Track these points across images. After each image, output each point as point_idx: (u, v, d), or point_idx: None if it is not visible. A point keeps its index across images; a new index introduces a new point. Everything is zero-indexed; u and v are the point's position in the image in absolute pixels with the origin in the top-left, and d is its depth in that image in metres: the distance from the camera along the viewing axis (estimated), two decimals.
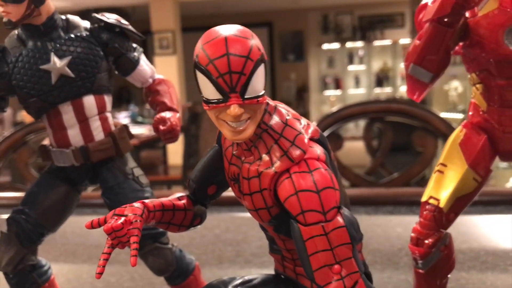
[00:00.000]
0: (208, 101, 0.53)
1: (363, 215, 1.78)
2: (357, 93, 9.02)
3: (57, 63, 0.87)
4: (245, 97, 0.52)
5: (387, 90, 8.84)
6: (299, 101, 9.28)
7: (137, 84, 0.99)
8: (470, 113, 0.91)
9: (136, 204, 0.63)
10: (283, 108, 0.59)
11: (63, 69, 0.88)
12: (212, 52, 0.52)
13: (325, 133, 2.43)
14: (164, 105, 0.97)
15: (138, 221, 0.60)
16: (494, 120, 0.87)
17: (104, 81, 0.93)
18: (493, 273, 1.25)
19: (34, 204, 0.93)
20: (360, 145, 2.70)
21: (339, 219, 0.52)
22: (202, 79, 0.53)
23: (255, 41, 0.54)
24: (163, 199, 0.67)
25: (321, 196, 0.52)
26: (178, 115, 0.96)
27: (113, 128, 0.96)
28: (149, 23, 7.06)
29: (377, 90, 8.87)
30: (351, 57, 9.06)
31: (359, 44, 8.89)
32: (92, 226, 0.62)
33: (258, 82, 0.53)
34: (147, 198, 0.93)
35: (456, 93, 5.79)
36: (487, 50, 0.82)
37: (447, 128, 2.38)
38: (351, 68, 9.05)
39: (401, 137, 2.96)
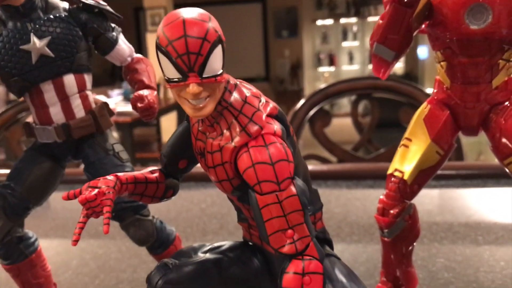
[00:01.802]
0: (169, 80, 0.57)
1: (344, 189, 1.84)
2: (351, 69, 9.03)
3: (37, 43, 0.90)
4: (203, 76, 0.56)
5: None
6: (293, 77, 9.28)
7: (116, 62, 1.03)
8: (435, 90, 0.95)
9: (109, 177, 0.67)
10: (244, 87, 0.63)
11: (43, 49, 0.91)
12: (171, 34, 0.55)
13: (314, 110, 2.47)
14: (142, 83, 1.00)
15: (111, 192, 0.65)
16: (457, 96, 0.91)
17: (84, 60, 0.96)
18: (464, 243, 1.31)
19: (19, 180, 0.98)
20: (350, 121, 2.75)
21: (292, 188, 0.57)
22: (163, 59, 0.57)
23: (212, 24, 0.57)
24: (136, 172, 0.72)
25: (275, 168, 0.57)
26: (155, 93, 0.99)
27: (93, 106, 0.99)
28: (142, 0, 7.01)
29: (371, 67, 8.86)
30: (345, 33, 9.04)
31: (353, 20, 8.86)
32: (68, 197, 0.66)
33: (216, 62, 0.57)
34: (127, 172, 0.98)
35: None
36: (450, 29, 0.86)
37: None
38: (345, 44, 9.04)
39: (388, 113, 3.00)
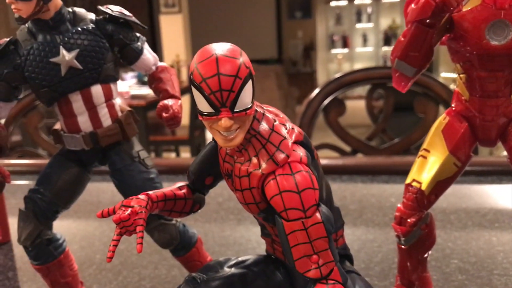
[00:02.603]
0: (202, 113, 0.60)
1: (359, 183, 1.86)
2: (365, 51, 8.95)
3: (66, 56, 0.93)
4: (235, 110, 0.59)
5: None
6: (306, 59, 9.24)
7: (142, 71, 1.05)
8: (454, 102, 0.97)
9: (141, 196, 0.70)
10: (270, 113, 0.66)
11: (71, 61, 0.94)
12: (205, 71, 0.58)
13: (328, 99, 2.49)
14: (166, 92, 1.03)
15: (143, 212, 0.68)
16: (475, 109, 0.93)
17: (110, 71, 0.99)
18: (477, 244, 1.34)
19: (48, 184, 1.02)
20: (363, 104, 2.77)
21: (317, 215, 0.60)
22: (196, 94, 0.60)
23: (243, 59, 0.60)
24: (165, 189, 0.75)
25: (301, 196, 0.59)
26: (179, 102, 1.02)
27: (119, 114, 1.02)
28: None
29: (385, 48, 8.78)
30: (359, 15, 8.93)
31: (368, 1, 8.75)
32: (102, 215, 0.70)
33: (246, 97, 0.59)
34: (152, 179, 1.02)
35: None
36: (470, 44, 0.87)
37: (448, 94, 2.42)
38: (359, 25, 8.94)
39: (403, 103, 3.00)
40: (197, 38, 8.19)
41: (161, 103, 1.00)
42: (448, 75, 5.88)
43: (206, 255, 1.12)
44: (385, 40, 8.78)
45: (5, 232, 1.52)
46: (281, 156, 0.62)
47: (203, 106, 0.59)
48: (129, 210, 0.68)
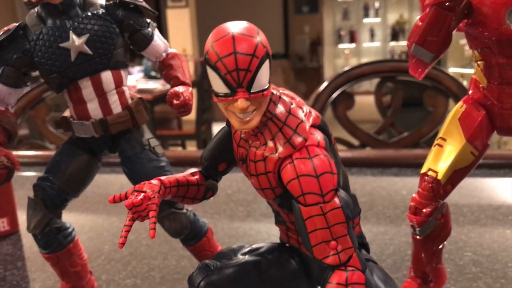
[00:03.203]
0: (217, 94, 0.58)
1: (369, 176, 1.84)
2: (372, 46, 8.90)
3: (76, 41, 0.92)
4: (251, 91, 0.57)
5: (402, 44, 8.69)
6: (313, 54, 9.20)
7: (152, 58, 1.04)
8: (471, 89, 0.94)
9: (154, 181, 0.69)
10: (287, 96, 0.64)
11: (81, 46, 0.92)
12: (221, 50, 0.56)
13: (337, 93, 2.47)
14: (177, 79, 1.01)
15: (156, 197, 0.67)
16: (494, 96, 0.90)
17: (120, 57, 0.97)
18: (491, 236, 1.32)
19: (57, 172, 1.00)
20: (372, 99, 2.74)
21: (336, 200, 0.58)
22: (211, 74, 0.58)
23: (260, 38, 0.58)
24: (178, 175, 0.73)
25: (319, 180, 0.58)
26: (190, 89, 1.00)
27: (129, 101, 1.01)
28: None
29: (393, 43, 8.73)
30: (366, 9, 8.88)
31: None
32: (114, 200, 0.69)
33: (263, 77, 0.58)
34: (162, 167, 1.00)
35: None
36: (489, 29, 0.85)
37: (458, 88, 2.39)
38: (366, 20, 8.89)
39: (412, 96, 2.97)
40: (204, 33, 8.16)
41: (171, 90, 0.98)
42: (456, 70, 5.83)
43: (216, 245, 1.10)
44: (393, 35, 8.72)
45: (13, 222, 1.51)
46: (298, 139, 0.60)
47: (219, 86, 0.57)
48: (142, 195, 0.66)
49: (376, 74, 2.60)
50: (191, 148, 5.65)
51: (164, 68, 1.03)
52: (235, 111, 0.58)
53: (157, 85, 5.33)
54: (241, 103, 0.56)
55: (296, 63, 9.07)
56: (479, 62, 0.91)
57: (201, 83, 5.48)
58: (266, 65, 0.58)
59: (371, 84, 6.67)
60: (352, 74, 2.53)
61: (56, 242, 1.03)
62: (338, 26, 8.99)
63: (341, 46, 9.00)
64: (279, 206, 0.67)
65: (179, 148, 5.63)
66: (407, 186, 1.73)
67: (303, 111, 0.63)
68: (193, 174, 0.75)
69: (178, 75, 1.01)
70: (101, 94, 0.97)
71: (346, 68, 2.52)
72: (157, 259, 1.31)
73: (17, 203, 1.52)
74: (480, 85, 0.92)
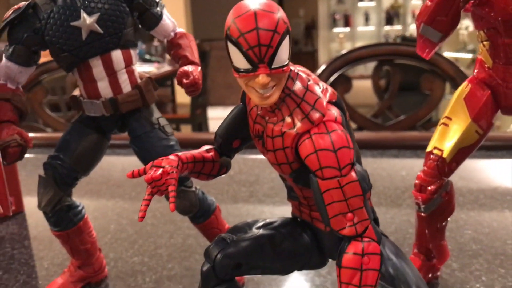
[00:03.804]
0: (238, 70, 0.60)
1: (369, 158, 1.87)
2: (366, 30, 8.89)
3: (87, 19, 0.92)
4: (272, 67, 0.58)
5: (397, 28, 8.69)
6: (308, 38, 9.18)
7: (160, 37, 1.04)
8: (476, 69, 0.96)
9: (172, 157, 0.70)
10: (303, 72, 0.65)
11: (92, 25, 0.92)
12: (243, 26, 0.57)
13: (334, 76, 2.48)
14: (186, 58, 1.02)
15: (174, 172, 0.68)
16: (499, 76, 0.92)
17: (130, 36, 0.98)
18: (490, 215, 1.35)
19: (67, 151, 1.01)
20: (367, 84, 2.75)
21: (353, 174, 0.60)
22: (233, 50, 0.59)
23: (281, 14, 0.59)
24: (194, 152, 0.75)
25: (337, 155, 0.59)
26: (199, 69, 1.01)
27: (139, 80, 1.02)
28: None
29: (387, 28, 8.72)
30: None
31: None
32: (133, 175, 0.70)
33: (284, 53, 0.59)
34: (172, 146, 1.01)
35: (467, 32, 5.70)
36: (496, 10, 0.86)
37: (455, 71, 2.41)
38: (361, 4, 8.86)
39: (409, 80, 2.98)
40: (198, 17, 8.10)
41: (181, 69, 0.99)
42: (451, 54, 5.84)
43: (224, 223, 1.12)
44: (387, 19, 8.71)
45: (18, 202, 1.52)
46: (316, 115, 0.61)
47: (240, 62, 0.59)
48: (161, 170, 0.68)
49: (374, 57, 2.61)
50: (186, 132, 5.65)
51: (172, 47, 1.04)
52: (256, 86, 0.59)
53: (151, 68, 5.31)
54: (262, 78, 0.58)
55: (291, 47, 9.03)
56: (484, 43, 0.93)
57: None
58: (286, 41, 0.59)
59: (365, 68, 6.68)
60: (350, 57, 2.54)
61: (66, 219, 1.05)
62: (332, 10, 8.96)
63: (335, 30, 8.98)
64: (294, 181, 0.69)
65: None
66: (406, 167, 1.75)
67: (320, 88, 0.64)
68: (208, 150, 0.76)
69: (187, 55, 1.02)
70: (111, 73, 0.97)
71: (344, 51, 2.52)
72: (163, 237, 1.33)
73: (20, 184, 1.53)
74: (486, 65, 0.94)
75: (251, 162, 1.85)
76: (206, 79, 4.97)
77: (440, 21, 0.86)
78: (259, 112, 0.67)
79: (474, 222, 1.31)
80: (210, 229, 1.10)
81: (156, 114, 1.03)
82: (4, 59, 0.96)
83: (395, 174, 1.69)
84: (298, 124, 0.62)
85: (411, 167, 1.72)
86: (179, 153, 0.72)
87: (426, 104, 2.53)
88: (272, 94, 0.60)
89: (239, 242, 0.72)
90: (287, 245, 0.73)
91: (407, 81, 2.87)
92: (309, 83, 0.64)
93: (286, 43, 0.59)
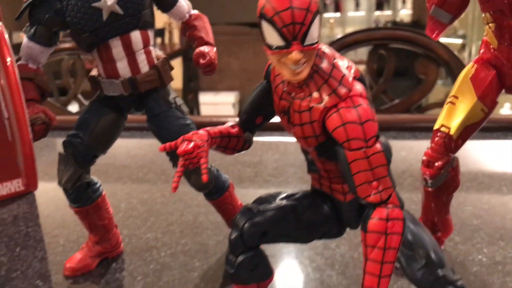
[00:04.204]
0: (271, 47, 0.63)
1: None
2: (357, 15, 8.90)
3: (108, 0, 0.94)
4: (304, 44, 0.62)
5: (387, 13, 8.72)
6: None
7: (176, 19, 1.07)
8: (482, 50, 1.00)
9: (201, 132, 0.74)
10: (330, 50, 0.69)
11: (113, 6, 0.95)
12: (278, 5, 0.61)
13: None
14: (201, 39, 1.05)
15: (205, 145, 0.72)
16: (504, 57, 0.96)
17: (148, 17, 1.00)
18: (489, 193, 1.41)
19: (87, 130, 1.04)
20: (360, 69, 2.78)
21: (378, 145, 0.64)
22: (267, 28, 0.62)
23: None
24: (221, 127, 0.78)
25: (363, 127, 0.63)
26: (215, 49, 1.04)
27: (155, 61, 1.04)
28: None
29: (377, 13, 8.75)
30: None
31: None
32: (165, 149, 0.74)
33: (315, 31, 0.63)
34: (188, 125, 1.05)
35: None
36: None
37: (449, 56, 2.46)
38: None
39: (403, 64, 3.02)
40: (193, 1, 8.04)
41: (197, 50, 1.02)
42: (441, 40, 5.91)
43: (237, 199, 1.16)
44: (378, 4, 8.73)
45: (29, 182, 1.54)
46: (343, 90, 0.65)
47: (274, 39, 0.62)
48: (192, 143, 0.71)
49: (369, 41, 2.65)
50: None
51: (188, 29, 1.07)
52: (288, 63, 0.63)
53: None
54: (295, 55, 0.61)
55: None
56: (490, 24, 0.97)
57: (187, 51, 5.45)
58: (317, 20, 0.62)
59: (355, 54, 6.71)
60: (345, 42, 2.57)
61: (86, 196, 1.08)
62: None
63: (326, 15, 8.98)
64: (317, 154, 0.73)
65: None
66: (405, 148, 1.80)
67: (345, 65, 0.68)
68: (232, 126, 0.80)
69: (202, 36, 1.05)
70: (130, 54, 1.00)
71: (339, 36, 2.56)
72: (174, 215, 1.37)
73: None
74: (491, 46, 0.98)
75: (254, 144, 1.89)
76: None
77: (451, 3, 0.89)
78: (285, 89, 0.71)
79: (474, 199, 1.37)
80: (224, 205, 1.14)
81: (173, 94, 1.06)
82: (25, 39, 0.98)
83: (395, 154, 1.71)
84: (326, 99, 0.65)
85: (410, 148, 1.77)
86: (207, 128, 0.76)
87: (420, 88, 2.58)
88: (303, 70, 0.64)
89: (265, 212, 0.76)
90: (309, 215, 0.78)
91: (401, 66, 2.91)
92: (335, 60, 0.68)
93: (317, 22, 0.62)
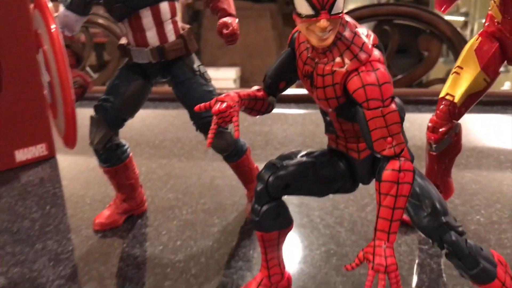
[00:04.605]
0: (301, 15, 0.71)
1: None
2: None
3: None
4: (331, 13, 0.70)
5: None
6: None
7: None
8: (486, 23, 1.08)
9: (232, 93, 0.82)
10: (351, 19, 0.77)
11: None
12: None
13: None
14: (224, 11, 1.12)
15: (236, 105, 0.80)
16: (507, 30, 1.04)
17: None
18: (488, 161, 1.49)
19: (117, 94, 1.12)
20: None
21: (393, 105, 0.72)
22: None
23: None
24: (248, 90, 0.86)
25: (381, 89, 0.71)
26: (237, 20, 1.11)
27: (181, 30, 1.12)
28: None
29: None
30: None
31: None
32: (200, 109, 0.81)
33: (341, 2, 0.70)
34: (211, 91, 1.13)
35: None
36: None
37: (452, 32, 2.52)
38: None
39: (407, 40, 3.06)
40: None
41: (221, 21, 1.09)
42: (448, 17, 5.94)
43: (253, 163, 1.25)
44: None
45: (51, 147, 1.62)
46: (364, 55, 0.73)
47: (303, 8, 0.69)
48: (225, 103, 0.79)
49: (373, 17, 2.70)
50: None
51: (211, 1, 1.14)
52: (316, 30, 0.70)
53: None
54: (323, 23, 0.69)
55: (284, 8, 9.01)
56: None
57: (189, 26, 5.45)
58: None
59: None
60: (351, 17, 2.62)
61: (115, 157, 1.16)
62: None
63: None
64: (337, 115, 0.81)
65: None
66: (409, 119, 1.88)
67: (365, 33, 0.76)
68: (258, 90, 0.88)
69: (225, 7, 1.12)
70: (159, 23, 1.07)
71: (344, 11, 2.60)
72: (192, 178, 1.45)
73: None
74: (495, 20, 1.05)
75: (264, 116, 1.97)
76: (199, 38, 5.01)
77: None
78: (309, 55, 0.79)
79: (474, 166, 1.46)
80: (242, 167, 1.22)
81: (197, 62, 1.14)
82: (62, 8, 1.06)
83: None
84: (348, 63, 0.73)
85: (414, 120, 1.85)
86: (237, 91, 0.84)
87: (423, 64, 2.64)
88: (329, 36, 0.72)
89: (287, 167, 0.85)
90: (326, 171, 0.86)
91: (404, 43, 2.96)
92: (356, 29, 0.75)
93: None
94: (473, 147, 1.59)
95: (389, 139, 0.72)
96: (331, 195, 0.90)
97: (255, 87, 0.89)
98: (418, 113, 1.98)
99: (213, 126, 0.80)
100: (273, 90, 0.88)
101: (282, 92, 0.90)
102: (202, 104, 0.82)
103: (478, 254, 0.78)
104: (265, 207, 0.85)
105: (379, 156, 0.74)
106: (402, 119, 0.73)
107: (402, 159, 0.73)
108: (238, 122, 0.79)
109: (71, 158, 1.62)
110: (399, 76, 2.63)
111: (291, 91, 2.05)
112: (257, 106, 0.87)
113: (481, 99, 1.09)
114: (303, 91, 2.21)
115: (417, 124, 1.85)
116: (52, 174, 1.52)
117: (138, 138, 1.78)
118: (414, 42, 2.85)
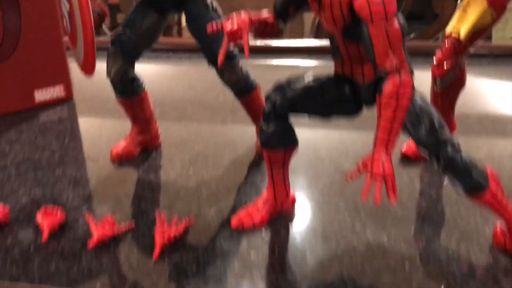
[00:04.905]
0: None
1: None
2: None
3: None
4: None
5: None
6: None
7: None
8: None
9: (243, 15, 0.86)
10: None
11: None
12: None
13: None
14: None
15: (247, 25, 0.84)
16: None
17: None
18: (493, 109, 1.53)
19: (133, 28, 1.16)
20: None
21: (396, 21, 0.76)
22: None
23: None
24: (258, 14, 0.90)
25: (385, 5, 0.75)
26: None
27: None
28: None
29: None
30: None
31: None
32: (212, 29, 0.86)
33: None
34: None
35: None
36: None
37: None
38: None
39: (420, 3, 3.05)
40: None
41: None
42: None
43: (263, 100, 1.28)
44: None
45: (68, 89, 1.67)
46: None
47: None
48: (236, 24, 0.83)
49: None
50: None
51: None
52: None
53: None
54: None
55: None
56: None
57: None
58: None
59: None
60: None
61: (131, 89, 1.22)
62: None
63: None
64: (342, 36, 0.84)
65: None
66: (417, 77, 1.91)
67: None
68: (268, 15, 0.92)
69: None
70: None
71: None
72: (203, 120, 1.51)
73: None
74: None
75: (271, 67, 2.01)
76: None
77: None
78: None
79: (480, 109, 1.50)
80: (252, 104, 1.27)
81: None
82: None
83: None
84: None
85: (421, 72, 1.87)
86: (248, 12, 0.88)
87: (436, 23, 2.64)
88: None
89: (295, 88, 0.89)
90: (332, 93, 0.91)
91: (418, 8, 2.94)
92: None
93: None
94: (480, 96, 1.62)
95: (391, 53, 0.76)
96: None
97: (265, 13, 0.93)
98: (428, 65, 2.00)
99: (224, 45, 0.84)
100: (282, 15, 0.92)
101: (292, 17, 0.94)
102: (214, 25, 0.86)
103: (473, 168, 0.83)
104: (272, 125, 0.91)
105: (380, 70, 0.78)
106: (404, 35, 0.77)
107: (403, 73, 0.77)
108: (248, 41, 0.83)
109: (88, 101, 1.68)
110: (412, 35, 2.64)
111: (303, 42, 2.07)
112: (267, 29, 0.92)
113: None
114: (315, 42, 2.23)
115: (424, 77, 1.87)
116: (70, 114, 1.58)
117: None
118: (429, 4, 2.84)
